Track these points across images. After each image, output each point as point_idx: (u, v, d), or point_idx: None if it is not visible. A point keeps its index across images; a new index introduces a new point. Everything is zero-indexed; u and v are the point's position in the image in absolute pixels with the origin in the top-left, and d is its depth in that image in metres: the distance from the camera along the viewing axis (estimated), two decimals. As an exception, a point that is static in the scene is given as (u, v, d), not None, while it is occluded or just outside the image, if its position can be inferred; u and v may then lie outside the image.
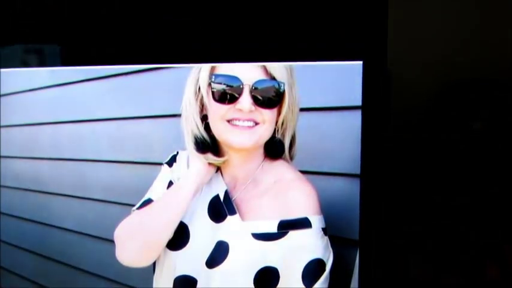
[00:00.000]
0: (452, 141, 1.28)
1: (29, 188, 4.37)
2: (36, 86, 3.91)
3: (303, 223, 1.80)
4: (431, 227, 1.25)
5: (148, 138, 3.09)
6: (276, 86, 1.81)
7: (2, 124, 4.78)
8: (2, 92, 4.22)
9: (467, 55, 1.30)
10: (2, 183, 4.72)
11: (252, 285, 1.80)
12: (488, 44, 1.32)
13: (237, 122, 1.79)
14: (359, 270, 1.39)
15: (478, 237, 1.34)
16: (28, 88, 3.97)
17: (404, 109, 1.25)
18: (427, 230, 1.25)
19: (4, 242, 4.70)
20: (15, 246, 4.53)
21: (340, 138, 2.11)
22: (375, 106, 1.27)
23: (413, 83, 1.27)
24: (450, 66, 1.32)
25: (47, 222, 4.13)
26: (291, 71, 1.85)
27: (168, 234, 1.88)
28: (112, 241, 2.00)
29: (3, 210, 4.71)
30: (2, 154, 4.74)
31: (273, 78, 1.81)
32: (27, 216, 4.38)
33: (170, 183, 2.00)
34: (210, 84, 1.84)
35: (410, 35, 1.35)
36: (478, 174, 1.31)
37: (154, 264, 2.00)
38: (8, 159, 4.68)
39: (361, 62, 1.68)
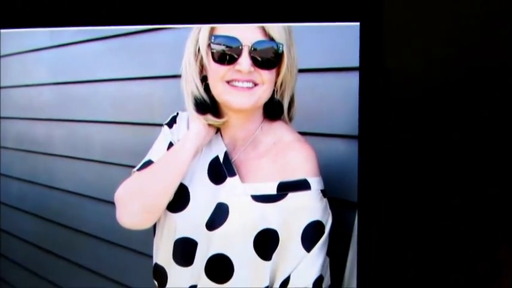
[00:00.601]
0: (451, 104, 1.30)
1: (29, 149, 4.39)
2: (37, 47, 3.92)
3: (302, 185, 1.82)
4: (430, 190, 1.26)
5: (148, 99, 3.10)
6: (275, 47, 1.83)
7: (2, 85, 4.80)
8: (2, 53, 4.22)
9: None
10: (2, 144, 4.75)
11: (252, 248, 1.83)
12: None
13: (236, 83, 1.81)
14: (358, 233, 1.41)
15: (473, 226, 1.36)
16: (28, 49, 3.98)
17: (402, 70, 1.26)
18: (426, 192, 1.26)
19: (4, 203, 4.73)
20: (15, 208, 4.56)
21: (338, 99, 2.12)
22: (372, 67, 1.28)
23: (409, 45, 1.28)
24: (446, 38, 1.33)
25: (46, 183, 4.15)
26: (289, 32, 1.87)
27: (169, 195, 1.91)
28: (112, 203, 2.02)
29: (3, 172, 4.74)
30: (1, 115, 4.76)
31: (272, 39, 1.83)
32: (26, 178, 4.41)
33: (170, 145, 2.01)
34: (209, 45, 1.85)
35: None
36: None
37: (154, 226, 2.03)
38: (7, 120, 4.70)
39: (358, 23, 1.69)
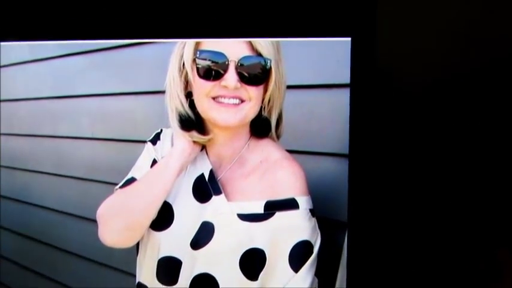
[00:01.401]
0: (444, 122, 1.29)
1: (8, 166, 4.37)
2: (15, 61, 3.90)
3: (290, 204, 1.81)
4: (419, 208, 1.25)
5: (131, 115, 3.09)
6: (263, 62, 1.82)
7: (-20, 99, 4.78)
8: (-19, 66, 4.20)
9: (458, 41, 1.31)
10: (-20, 161, 4.73)
11: (238, 267, 1.83)
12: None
13: (222, 100, 1.80)
14: (347, 254, 1.40)
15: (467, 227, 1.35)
16: (7, 63, 3.96)
17: (394, 87, 1.25)
18: (416, 211, 1.26)
19: (-18, 221, 4.71)
20: (-5, 225, 4.54)
21: (328, 116, 2.12)
22: (363, 84, 1.27)
23: (403, 61, 1.28)
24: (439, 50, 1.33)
25: (27, 200, 4.13)
26: (277, 47, 1.86)
27: (152, 214, 1.90)
28: (94, 221, 2.01)
29: (-18, 189, 4.72)
30: (-21, 130, 4.74)
31: (260, 55, 1.82)
32: (6, 195, 4.39)
33: (154, 162, 2.00)
34: (194, 60, 1.84)
35: (400, 12, 1.36)
36: (469, 167, 1.32)
37: (137, 245, 2.02)
38: (-14, 136, 4.68)
39: (349, 39, 1.68)
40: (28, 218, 4.14)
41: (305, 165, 1.88)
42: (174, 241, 1.91)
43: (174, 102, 1.89)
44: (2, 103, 4.42)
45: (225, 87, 1.79)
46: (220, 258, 1.85)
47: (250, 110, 1.83)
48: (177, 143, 1.93)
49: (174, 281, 1.92)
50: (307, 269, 1.83)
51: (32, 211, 4.07)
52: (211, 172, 1.91)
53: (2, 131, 4.37)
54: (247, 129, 1.91)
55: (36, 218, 4.06)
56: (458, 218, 1.28)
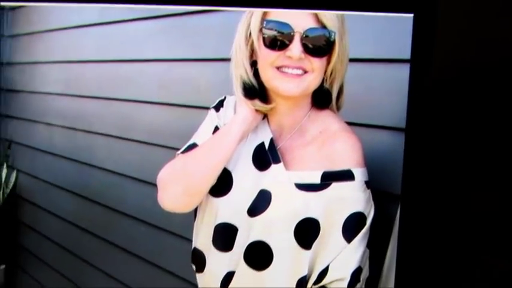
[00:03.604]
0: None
1: (72, 127, 4.47)
2: (84, 23, 3.97)
3: (346, 175, 1.87)
4: (476, 186, 1.29)
5: (196, 81, 3.16)
6: (327, 34, 1.87)
7: (45, 60, 4.90)
8: (51, 27, 4.32)
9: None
10: (44, 121, 4.86)
11: (292, 236, 1.88)
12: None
13: (286, 70, 1.86)
14: (399, 227, 1.45)
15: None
16: (75, 24, 4.04)
17: (454, 65, 1.29)
18: (472, 186, 1.29)
19: (43, 180, 4.85)
20: (55, 185, 4.66)
21: (387, 91, 2.15)
22: (423, 60, 1.31)
23: (463, 39, 1.31)
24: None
25: (88, 162, 4.24)
26: (342, 20, 1.91)
27: (212, 179, 1.96)
28: (154, 185, 2.08)
29: (44, 148, 4.86)
30: (45, 90, 4.86)
31: (324, 27, 1.87)
32: (68, 155, 4.51)
33: (216, 128, 2.07)
34: (261, 30, 1.90)
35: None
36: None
37: (195, 210, 2.10)
38: (50, 96, 4.80)
39: (411, 15, 1.70)
40: (87, 179, 4.25)
41: (362, 138, 1.94)
42: (231, 208, 1.98)
43: (239, 70, 1.95)
44: (70, 64, 4.54)
45: (290, 57, 1.84)
46: (276, 227, 1.90)
47: (312, 81, 1.88)
48: (239, 111, 1.99)
49: (230, 247, 1.99)
50: (360, 240, 1.89)
51: (92, 172, 4.17)
52: (272, 141, 1.98)
53: (68, 92, 4.49)
54: (308, 99, 1.97)
55: (95, 179, 4.17)
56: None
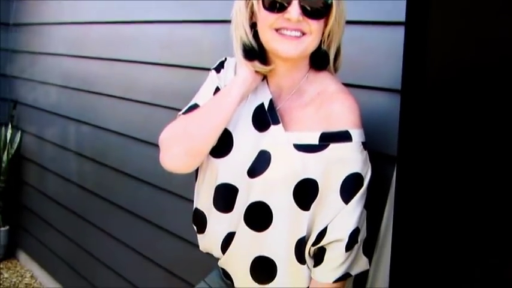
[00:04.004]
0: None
1: (76, 87, 4.50)
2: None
3: (343, 136, 1.90)
4: (472, 146, 1.29)
5: (198, 43, 3.19)
6: (325, -3, 1.91)
7: (51, 21, 4.91)
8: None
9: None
10: (49, 81, 4.88)
11: (291, 197, 1.91)
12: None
13: (284, 32, 1.88)
14: (396, 188, 1.46)
15: None
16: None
17: (449, 27, 1.30)
18: (467, 149, 1.30)
19: (49, 141, 4.88)
20: (59, 145, 4.71)
21: (384, 52, 2.18)
22: (418, 22, 1.32)
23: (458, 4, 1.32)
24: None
25: (92, 122, 4.29)
26: None
27: (212, 140, 2.00)
28: (156, 145, 2.09)
29: (48, 109, 4.89)
30: (50, 52, 4.88)
31: None
32: (72, 116, 4.55)
33: (217, 89, 2.10)
34: (260, -8, 1.92)
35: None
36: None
37: (196, 171, 2.14)
38: (56, 57, 4.83)
39: None
40: (91, 139, 4.30)
41: (359, 99, 1.96)
42: (232, 168, 2.01)
43: (239, 32, 1.98)
44: (74, 25, 4.55)
45: (288, 19, 1.86)
46: (275, 187, 1.93)
47: (310, 43, 1.90)
48: (239, 72, 2.01)
49: (230, 208, 2.03)
50: (357, 201, 1.93)
51: (95, 133, 4.22)
52: (271, 101, 2.01)
53: (73, 53, 4.51)
54: (306, 61, 2.00)
55: (98, 140, 4.21)
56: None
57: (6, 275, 5.40)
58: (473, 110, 1.26)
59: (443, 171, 1.32)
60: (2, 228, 5.59)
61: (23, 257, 5.67)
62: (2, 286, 5.16)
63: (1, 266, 5.60)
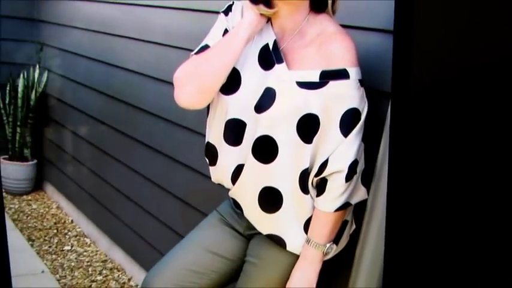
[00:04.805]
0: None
1: (96, 30, 4.51)
2: None
3: (341, 74, 1.94)
4: (461, 81, 1.30)
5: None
6: None
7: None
8: None
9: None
10: (72, 25, 4.89)
11: (295, 130, 1.96)
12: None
13: None
14: (390, 122, 1.48)
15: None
16: None
17: None
18: (455, 84, 1.30)
19: (72, 80, 4.91)
20: (82, 84, 4.74)
21: None
22: None
23: None
24: None
25: (111, 62, 4.31)
26: None
27: (222, 78, 2.03)
28: (171, 83, 2.13)
29: (72, 50, 4.90)
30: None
31: None
32: (93, 56, 4.57)
33: (226, 31, 2.13)
34: None
35: None
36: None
37: (208, 107, 2.17)
38: (77, 2, 4.82)
39: None
40: (110, 78, 4.32)
41: (356, 39, 1.99)
42: (240, 104, 2.05)
43: None
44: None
45: None
46: (280, 122, 1.98)
47: None
48: (246, 15, 2.03)
49: (239, 141, 2.08)
50: (355, 134, 1.97)
51: (114, 72, 4.23)
52: (275, 42, 2.04)
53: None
54: (307, 4, 2.03)
55: (117, 79, 4.24)
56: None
57: (34, 206, 5.50)
58: (461, 50, 1.27)
59: (434, 107, 1.33)
60: (31, 162, 5.65)
61: (49, 189, 5.77)
62: (30, 216, 5.24)
63: (30, 197, 5.68)
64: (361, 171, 2.04)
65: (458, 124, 1.31)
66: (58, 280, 4.15)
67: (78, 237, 4.91)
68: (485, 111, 1.26)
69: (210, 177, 2.28)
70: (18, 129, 5.54)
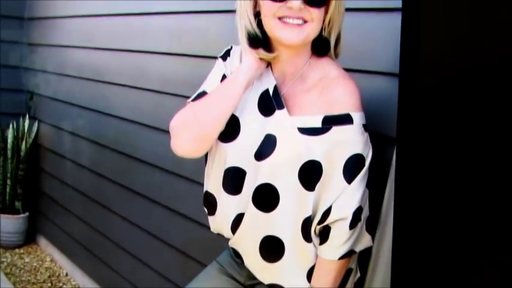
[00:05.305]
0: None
1: (89, 78, 4.53)
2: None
3: (345, 119, 1.92)
4: (472, 127, 1.30)
5: (204, 32, 3.21)
6: (325, -14, 1.92)
7: (64, 15, 4.94)
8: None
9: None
10: (63, 72, 4.92)
11: (297, 178, 1.94)
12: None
13: (287, 20, 1.89)
14: (396, 167, 1.48)
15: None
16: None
17: (444, 14, 1.31)
18: (468, 129, 1.30)
19: (65, 130, 4.92)
20: (74, 134, 4.75)
21: (381, 38, 2.20)
22: (414, 9, 1.33)
23: None
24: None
25: (104, 111, 4.33)
26: None
27: (221, 125, 2.02)
28: (167, 131, 2.12)
29: (63, 99, 4.93)
30: (63, 44, 4.93)
31: None
32: (85, 105, 4.59)
33: (224, 77, 2.12)
34: (263, -18, 1.93)
35: None
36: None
37: (206, 156, 2.15)
38: (69, 49, 4.86)
39: None
40: (105, 127, 4.33)
41: (359, 83, 1.98)
42: (239, 152, 2.03)
43: (244, 21, 1.99)
44: (83, 18, 4.58)
45: (290, 8, 1.88)
46: (281, 169, 1.95)
47: (312, 30, 1.92)
48: (245, 60, 2.02)
49: (239, 190, 2.05)
50: (360, 180, 1.95)
51: (108, 121, 4.25)
52: (276, 87, 2.02)
53: (84, 45, 4.54)
54: (308, 48, 2.02)
55: (111, 127, 4.25)
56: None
57: (27, 260, 5.44)
58: (468, 94, 1.27)
59: (440, 152, 1.33)
60: (22, 215, 5.63)
61: (43, 242, 5.71)
62: (23, 270, 5.19)
63: (22, 251, 5.63)
64: (366, 218, 2.01)
65: (465, 171, 1.31)
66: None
67: (73, 290, 4.84)
68: (494, 146, 1.26)
69: (209, 227, 2.25)
70: (8, 181, 5.51)
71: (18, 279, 4.99)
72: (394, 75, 1.95)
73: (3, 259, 5.38)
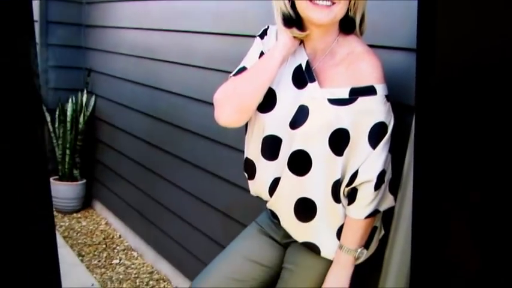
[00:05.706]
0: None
1: (141, 55, 4.60)
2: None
3: (370, 90, 2.00)
4: (482, 96, 1.31)
5: (244, 14, 3.25)
6: (351, -29, 2.01)
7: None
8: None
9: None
10: (118, 51, 4.99)
11: (327, 144, 2.01)
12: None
13: (317, 1, 1.97)
14: (415, 133, 1.52)
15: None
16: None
17: None
18: (480, 97, 1.31)
19: (119, 103, 5.00)
20: (128, 107, 4.82)
21: (400, 16, 2.23)
22: None
23: None
24: None
25: (156, 86, 4.40)
26: None
27: (259, 97, 2.10)
28: (211, 104, 2.20)
29: (118, 75, 5.00)
30: (118, 25, 5.00)
31: None
32: (139, 81, 4.65)
33: (261, 54, 2.20)
34: (297, -33, 2.02)
35: None
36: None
37: (246, 125, 2.24)
38: (123, 30, 4.94)
39: None
40: (156, 101, 4.40)
41: (382, 58, 2.05)
42: (276, 121, 2.11)
43: (279, 3, 2.07)
44: (135, 2, 4.65)
45: None
46: (314, 137, 2.03)
47: (339, 11, 1.99)
48: (280, 38, 2.11)
49: (276, 156, 2.13)
50: (383, 146, 2.03)
51: (158, 95, 4.32)
52: (308, 63, 2.10)
53: (137, 26, 4.61)
54: (336, 26, 2.09)
55: (162, 101, 4.32)
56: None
57: (84, 223, 5.60)
58: (481, 65, 1.29)
59: (455, 118, 1.36)
60: (80, 182, 5.75)
61: (98, 206, 5.87)
62: (80, 233, 5.34)
63: (79, 215, 5.79)
64: (389, 180, 2.09)
65: (480, 133, 1.33)
66: (107, 292, 4.25)
67: (126, 251, 4.99)
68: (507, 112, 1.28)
69: (249, 191, 2.34)
70: (67, 151, 5.67)
71: (75, 242, 5.15)
72: (413, 50, 1.98)
73: (61, 223, 5.55)
